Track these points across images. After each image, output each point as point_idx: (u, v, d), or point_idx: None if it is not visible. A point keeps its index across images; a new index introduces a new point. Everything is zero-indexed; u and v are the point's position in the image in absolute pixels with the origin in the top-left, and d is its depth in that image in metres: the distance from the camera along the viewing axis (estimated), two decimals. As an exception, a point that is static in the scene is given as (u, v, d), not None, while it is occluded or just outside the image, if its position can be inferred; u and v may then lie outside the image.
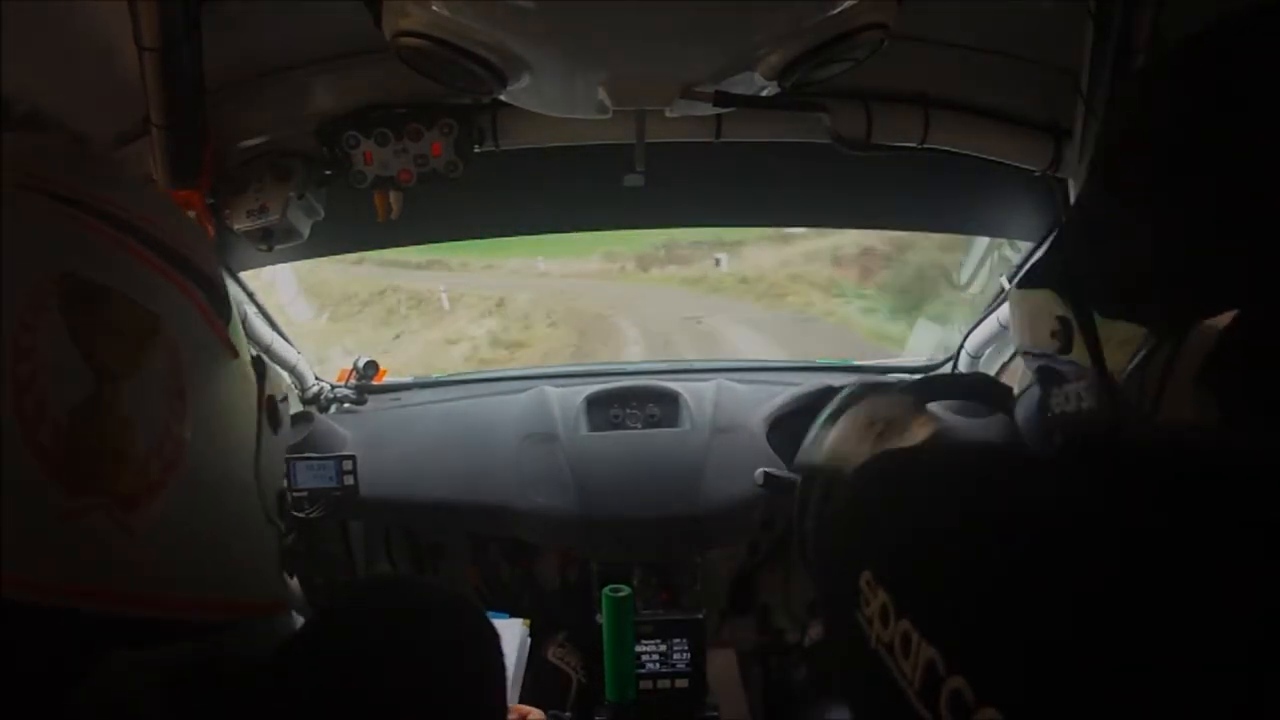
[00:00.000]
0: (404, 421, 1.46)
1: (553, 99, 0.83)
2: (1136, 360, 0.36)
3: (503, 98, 0.81)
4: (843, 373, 1.57)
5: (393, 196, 1.00)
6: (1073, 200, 1.03)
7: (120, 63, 0.77)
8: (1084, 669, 0.27)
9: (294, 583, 1.37)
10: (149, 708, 0.36)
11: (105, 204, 0.38)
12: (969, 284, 1.53)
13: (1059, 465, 0.41)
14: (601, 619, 1.07)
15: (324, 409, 1.49)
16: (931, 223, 1.40)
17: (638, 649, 1.18)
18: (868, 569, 0.36)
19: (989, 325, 1.37)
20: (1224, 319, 0.32)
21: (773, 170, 1.14)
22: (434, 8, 0.66)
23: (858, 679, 0.38)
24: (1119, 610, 0.28)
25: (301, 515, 1.21)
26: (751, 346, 5.27)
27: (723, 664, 1.38)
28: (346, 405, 1.50)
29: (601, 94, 0.76)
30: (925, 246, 2.27)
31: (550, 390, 1.45)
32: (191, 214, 0.89)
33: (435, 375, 1.66)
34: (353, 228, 1.10)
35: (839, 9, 0.66)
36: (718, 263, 6.56)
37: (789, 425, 1.39)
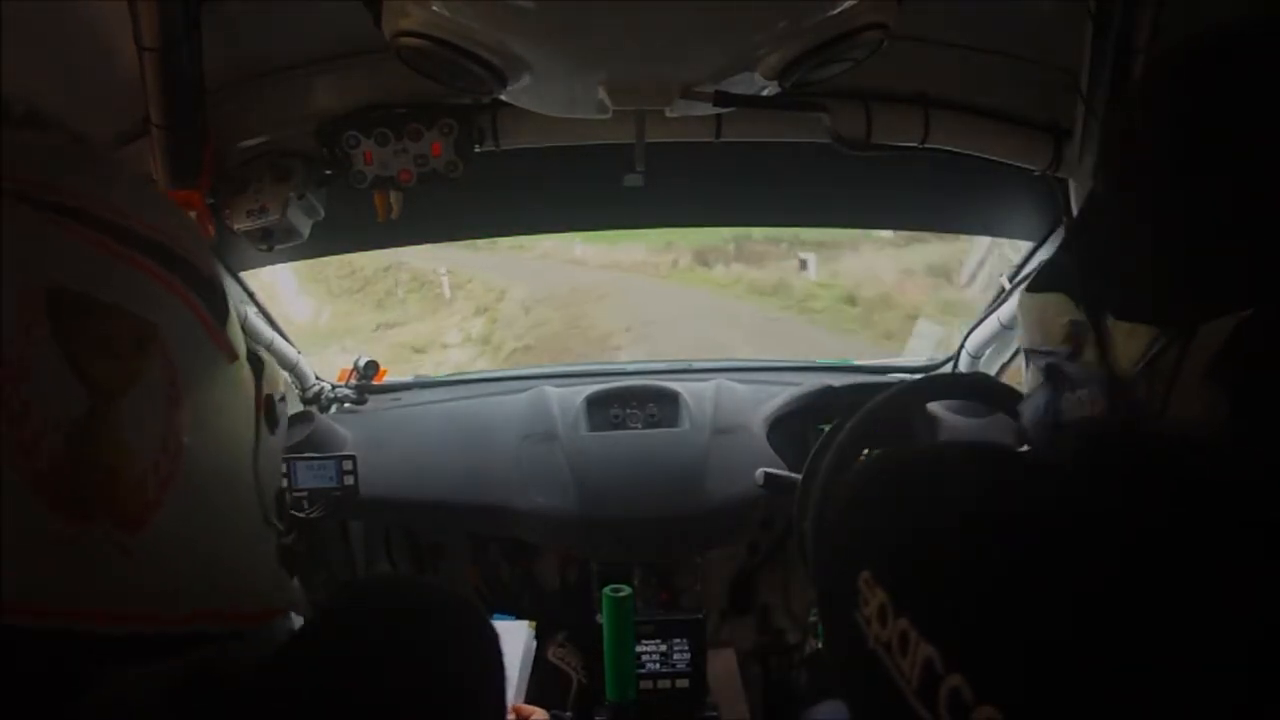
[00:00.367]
0: (404, 421, 1.46)
1: (553, 99, 0.83)
2: (1143, 361, 0.36)
3: (503, 98, 0.81)
4: (843, 373, 1.57)
5: (393, 196, 1.00)
6: (1074, 200, 1.03)
7: (120, 63, 0.77)
8: (1083, 668, 0.27)
9: (294, 583, 1.37)
10: (150, 710, 0.36)
11: (100, 210, 0.38)
12: (969, 284, 1.53)
13: (1059, 465, 0.41)
14: (601, 619, 1.07)
15: (324, 409, 1.49)
16: (932, 222, 1.40)
17: (638, 649, 1.18)
18: (866, 568, 0.37)
19: (989, 325, 1.37)
20: (1227, 321, 0.32)
21: (773, 170, 1.14)
22: (434, 8, 0.66)
23: (856, 678, 0.38)
24: (1118, 609, 0.28)
25: (301, 515, 1.21)
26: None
27: (723, 664, 1.38)
28: (346, 405, 1.50)
29: (601, 94, 0.76)
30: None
31: (550, 390, 1.45)
32: (191, 214, 0.89)
33: (435, 375, 1.66)
34: (353, 228, 1.10)
35: (839, 9, 0.66)
36: (803, 265, 4.64)
37: (789, 425, 1.39)
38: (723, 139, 0.98)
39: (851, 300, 4.03)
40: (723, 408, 1.39)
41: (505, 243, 5.26)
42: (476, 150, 0.96)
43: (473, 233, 1.39)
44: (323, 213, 1.00)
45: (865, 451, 1.02)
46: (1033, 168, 1.00)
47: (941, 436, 1.33)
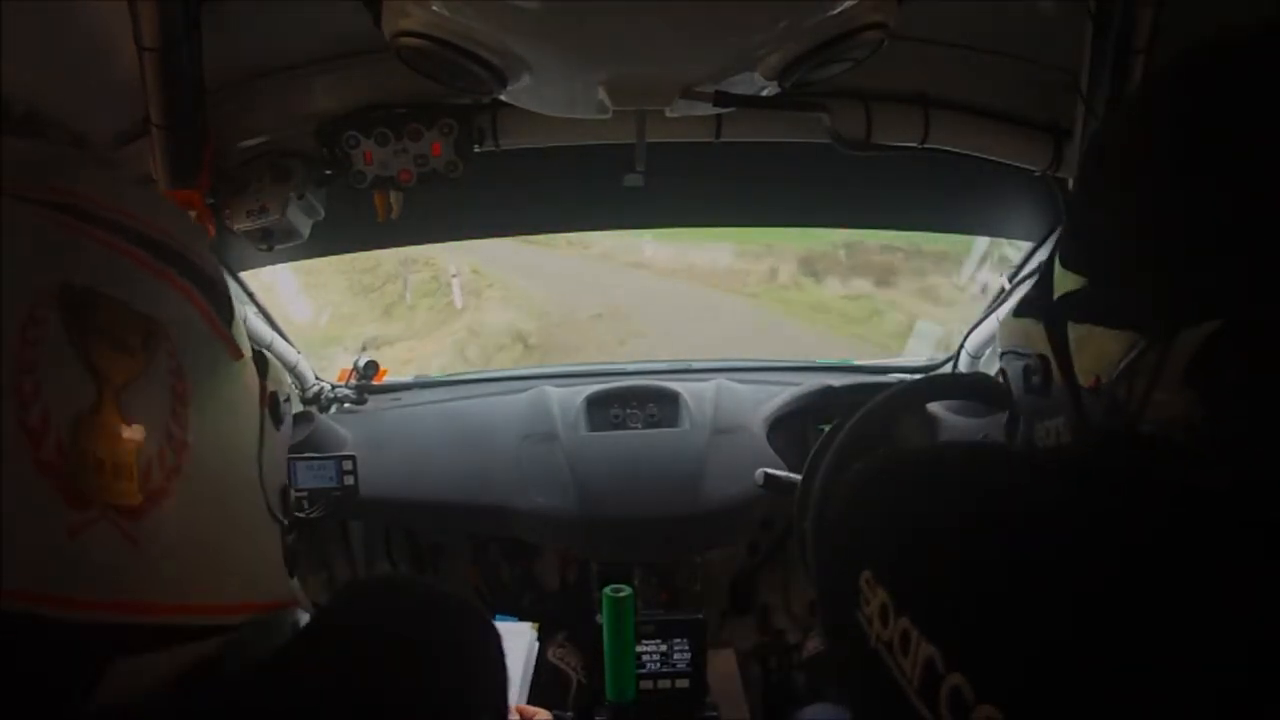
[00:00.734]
0: (404, 421, 1.46)
1: (553, 99, 0.83)
2: (1129, 360, 0.36)
3: (503, 98, 0.81)
4: (843, 373, 1.57)
5: (393, 196, 1.00)
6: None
7: (120, 63, 0.76)
8: (1083, 667, 0.27)
9: (294, 583, 1.37)
10: (152, 709, 0.36)
11: (104, 209, 0.38)
12: (969, 284, 1.53)
13: (1059, 465, 0.41)
14: (601, 619, 1.07)
15: (324, 409, 1.49)
16: (932, 222, 1.40)
17: (638, 649, 1.18)
18: (868, 568, 0.37)
19: (989, 325, 1.37)
20: (1217, 322, 0.32)
21: (773, 170, 1.14)
22: (434, 8, 0.66)
23: (857, 678, 0.38)
24: (1118, 608, 0.28)
25: (301, 515, 1.21)
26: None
27: (723, 664, 1.38)
28: (346, 405, 1.50)
29: (601, 94, 0.76)
30: None
31: (550, 390, 1.45)
32: (192, 214, 0.89)
33: (435, 375, 1.66)
34: (353, 228, 1.10)
35: (839, 9, 0.66)
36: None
37: (789, 425, 1.39)
38: (723, 139, 0.98)
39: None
40: (723, 408, 1.39)
41: (561, 239, 4.40)
42: (476, 150, 0.96)
43: (473, 233, 1.39)
44: (323, 213, 1.00)
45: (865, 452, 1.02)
46: (1033, 168, 1.00)
47: (941, 436, 1.34)
